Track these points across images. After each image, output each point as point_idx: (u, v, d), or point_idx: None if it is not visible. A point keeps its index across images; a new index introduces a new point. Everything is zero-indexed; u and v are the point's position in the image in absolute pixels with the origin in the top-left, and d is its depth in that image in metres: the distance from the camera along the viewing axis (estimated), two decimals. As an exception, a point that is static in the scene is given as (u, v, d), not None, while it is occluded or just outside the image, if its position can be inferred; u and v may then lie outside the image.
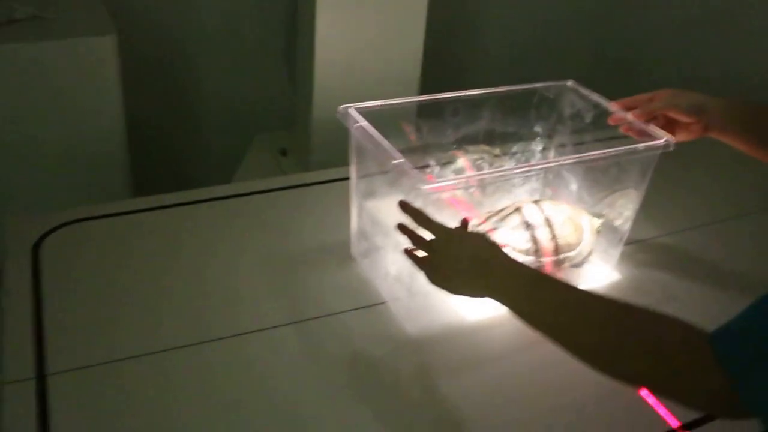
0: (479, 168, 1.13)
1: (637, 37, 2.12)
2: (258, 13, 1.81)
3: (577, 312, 0.69)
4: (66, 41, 1.35)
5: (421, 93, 1.61)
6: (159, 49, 1.77)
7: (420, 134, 1.06)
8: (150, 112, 1.76)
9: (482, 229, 0.99)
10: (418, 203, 0.80)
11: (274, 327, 0.91)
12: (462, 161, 1.13)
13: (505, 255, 0.76)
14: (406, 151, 1.05)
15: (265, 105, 1.91)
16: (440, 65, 1.97)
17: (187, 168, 1.91)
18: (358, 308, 0.95)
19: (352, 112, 0.91)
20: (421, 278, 0.81)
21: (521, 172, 0.87)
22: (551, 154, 1.12)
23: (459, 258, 0.76)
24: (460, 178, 0.79)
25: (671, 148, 0.92)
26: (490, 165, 1.13)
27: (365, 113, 0.92)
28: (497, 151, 1.16)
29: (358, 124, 0.88)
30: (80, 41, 1.33)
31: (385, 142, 0.83)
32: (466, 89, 1.02)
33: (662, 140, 0.92)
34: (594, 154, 0.88)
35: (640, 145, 0.90)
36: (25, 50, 1.31)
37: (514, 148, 1.12)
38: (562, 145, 1.10)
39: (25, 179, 1.42)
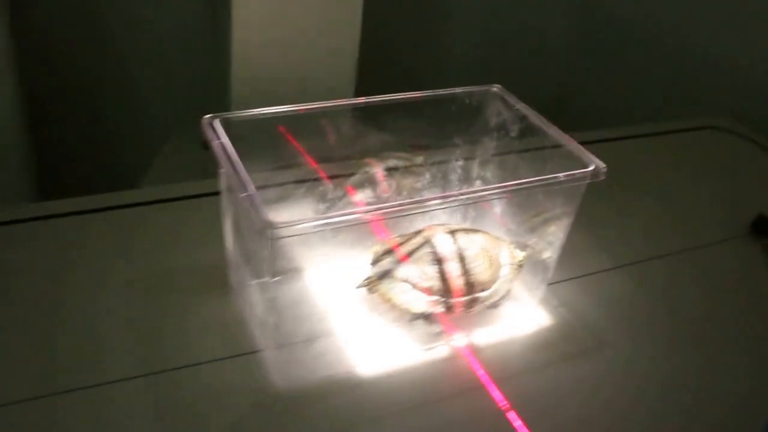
0: (392, 179, 0.99)
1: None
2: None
3: None
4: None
5: (361, 85, 1.46)
6: (69, 23, 1.57)
7: (331, 141, 0.91)
8: (56, 99, 1.57)
9: (384, 263, 0.84)
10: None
11: (116, 381, 0.75)
12: (374, 170, 0.98)
13: None
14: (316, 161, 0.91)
15: (191, 86, 1.72)
16: (390, 53, 1.79)
17: (100, 162, 1.72)
18: (226, 358, 0.79)
19: (216, 125, 0.74)
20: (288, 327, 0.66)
21: (406, 208, 0.71)
22: (474, 167, 0.97)
23: None
24: (322, 218, 0.63)
25: (601, 177, 0.77)
26: (403, 176, 0.98)
27: (249, 121, 0.77)
28: (420, 159, 1.01)
29: (218, 141, 0.72)
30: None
31: (240, 168, 0.67)
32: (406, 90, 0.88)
33: (590, 168, 0.76)
34: (501, 187, 0.73)
35: (561, 175, 0.74)
36: None
37: (434, 159, 0.97)
38: (486, 160, 0.95)
39: None
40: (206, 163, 1.65)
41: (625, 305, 0.95)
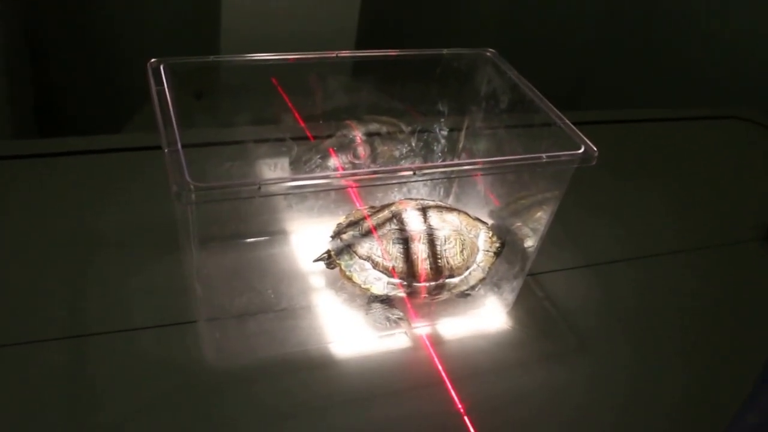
0: (371, 144, 0.91)
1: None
2: None
3: None
4: None
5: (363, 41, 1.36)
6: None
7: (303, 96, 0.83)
8: (51, 34, 1.49)
9: (346, 236, 0.76)
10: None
11: (40, 341, 0.69)
12: (353, 133, 0.90)
13: None
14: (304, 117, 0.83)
15: (192, 33, 1.62)
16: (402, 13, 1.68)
17: (89, 105, 1.63)
18: (161, 325, 0.72)
19: (162, 70, 0.66)
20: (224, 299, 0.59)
21: (362, 178, 0.62)
22: (461, 139, 0.88)
23: None
24: (247, 183, 0.54)
25: (592, 162, 0.67)
26: (383, 142, 0.89)
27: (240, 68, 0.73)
28: (404, 126, 0.92)
29: (158, 88, 0.64)
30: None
31: (171, 122, 0.59)
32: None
33: (579, 151, 0.67)
34: (472, 163, 0.64)
35: (544, 156, 0.65)
36: None
37: (416, 127, 0.88)
38: (473, 131, 0.85)
39: None
40: (197, 113, 1.58)
41: (615, 305, 0.86)
